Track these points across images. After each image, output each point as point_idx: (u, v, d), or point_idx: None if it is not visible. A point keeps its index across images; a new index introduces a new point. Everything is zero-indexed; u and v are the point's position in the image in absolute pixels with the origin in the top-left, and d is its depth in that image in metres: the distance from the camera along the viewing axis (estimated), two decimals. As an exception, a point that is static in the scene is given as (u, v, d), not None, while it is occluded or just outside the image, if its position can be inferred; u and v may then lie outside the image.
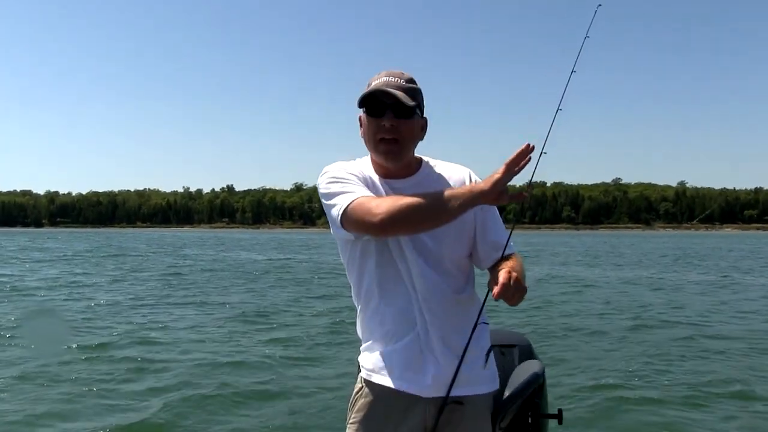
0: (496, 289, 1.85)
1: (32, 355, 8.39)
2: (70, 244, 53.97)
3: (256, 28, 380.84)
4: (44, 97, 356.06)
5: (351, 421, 2.19)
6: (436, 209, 1.92)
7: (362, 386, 2.19)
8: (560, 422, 2.46)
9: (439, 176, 2.15)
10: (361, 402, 2.18)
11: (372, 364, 2.16)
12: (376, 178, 2.13)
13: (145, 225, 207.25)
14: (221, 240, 73.73)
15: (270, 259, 33.49)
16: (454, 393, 2.04)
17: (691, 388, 6.98)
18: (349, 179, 2.07)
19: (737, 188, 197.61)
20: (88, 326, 10.83)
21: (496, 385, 2.22)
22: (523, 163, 1.85)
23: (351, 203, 1.99)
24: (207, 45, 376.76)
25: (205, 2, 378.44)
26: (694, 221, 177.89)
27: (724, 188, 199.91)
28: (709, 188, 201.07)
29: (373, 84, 2.06)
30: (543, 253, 41.96)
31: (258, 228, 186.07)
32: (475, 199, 1.89)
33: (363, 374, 2.20)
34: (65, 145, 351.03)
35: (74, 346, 8.95)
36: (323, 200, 2.09)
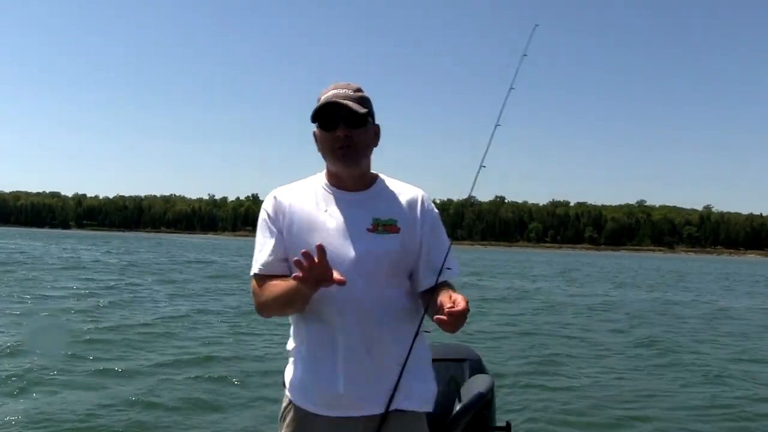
0: (444, 318, 1.89)
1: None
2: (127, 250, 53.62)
3: (281, 39, 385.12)
4: (74, 101, 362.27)
5: None
6: (287, 299, 2.06)
7: (289, 403, 2.20)
8: None
9: (393, 193, 2.21)
10: (289, 418, 2.19)
11: (294, 384, 2.18)
12: (330, 191, 2.19)
13: (169, 231, 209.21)
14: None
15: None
16: (377, 410, 2.08)
17: (641, 405, 7.33)
18: (265, 237, 2.18)
19: (764, 214, 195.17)
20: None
21: (428, 407, 2.19)
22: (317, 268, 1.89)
23: (252, 276, 2.18)
24: (234, 54, 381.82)
25: (241, 7, 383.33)
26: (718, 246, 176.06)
27: (751, 213, 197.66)
28: (736, 213, 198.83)
29: (323, 98, 2.12)
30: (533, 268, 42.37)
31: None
32: (304, 293, 1.98)
33: (286, 392, 2.22)
34: (94, 148, 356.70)
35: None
36: None
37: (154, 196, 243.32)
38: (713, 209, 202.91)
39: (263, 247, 2.18)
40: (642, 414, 6.91)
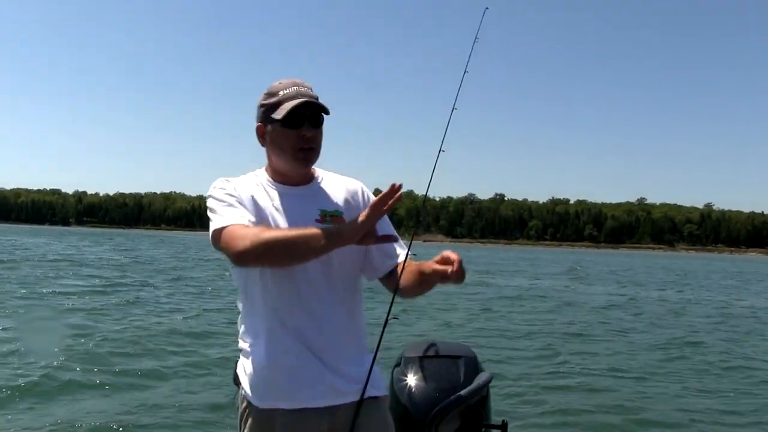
0: (452, 268, 1.96)
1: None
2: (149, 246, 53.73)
3: (280, 37, 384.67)
4: (74, 99, 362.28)
5: None
6: (303, 246, 1.92)
7: (248, 404, 2.13)
8: None
9: (334, 186, 2.23)
10: (251, 421, 2.12)
11: (253, 382, 2.11)
12: (274, 187, 2.18)
13: (169, 228, 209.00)
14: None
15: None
16: (347, 399, 2.10)
17: (637, 405, 7.35)
18: (231, 201, 2.08)
19: (765, 212, 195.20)
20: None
21: (380, 392, 2.19)
22: (391, 202, 1.88)
23: (221, 228, 2.01)
24: (233, 52, 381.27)
25: (241, 7, 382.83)
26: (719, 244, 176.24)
27: (752, 211, 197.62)
28: (737, 211, 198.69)
29: (288, 95, 2.10)
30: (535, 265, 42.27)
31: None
32: (342, 240, 1.92)
33: (245, 395, 2.13)
34: (94, 146, 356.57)
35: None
36: (208, 214, 2.10)
37: (154, 193, 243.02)
38: (714, 207, 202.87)
39: (232, 204, 2.07)
40: (644, 417, 6.88)
